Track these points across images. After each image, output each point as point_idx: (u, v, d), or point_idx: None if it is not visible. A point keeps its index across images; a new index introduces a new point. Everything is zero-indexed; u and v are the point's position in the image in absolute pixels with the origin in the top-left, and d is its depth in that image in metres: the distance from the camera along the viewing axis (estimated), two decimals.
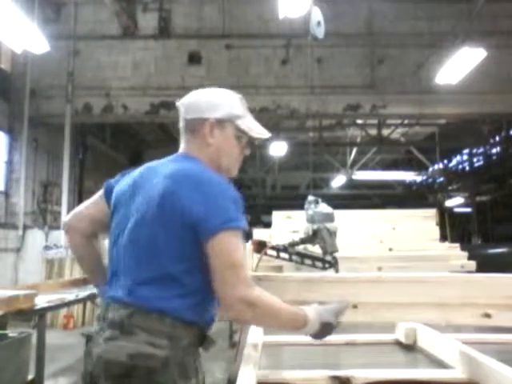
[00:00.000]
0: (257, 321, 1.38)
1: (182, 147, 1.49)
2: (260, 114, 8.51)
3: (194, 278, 1.31)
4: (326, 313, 1.42)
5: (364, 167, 14.22)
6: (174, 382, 1.26)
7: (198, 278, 1.31)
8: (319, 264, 2.52)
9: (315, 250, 2.55)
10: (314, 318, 1.38)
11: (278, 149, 11.50)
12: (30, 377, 3.23)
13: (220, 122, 1.45)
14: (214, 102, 1.47)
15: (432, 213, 3.03)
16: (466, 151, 15.73)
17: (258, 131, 1.52)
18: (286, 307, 1.36)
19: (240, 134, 1.48)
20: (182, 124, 1.50)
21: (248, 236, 1.46)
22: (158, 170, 1.40)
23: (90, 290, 4.60)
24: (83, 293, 4.25)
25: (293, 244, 2.52)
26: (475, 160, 15.59)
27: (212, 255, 1.28)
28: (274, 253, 2.54)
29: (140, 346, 1.26)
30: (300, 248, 2.54)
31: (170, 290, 1.30)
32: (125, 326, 1.29)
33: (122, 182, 1.49)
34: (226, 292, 1.28)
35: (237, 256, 1.29)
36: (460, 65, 6.91)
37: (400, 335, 1.86)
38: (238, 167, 1.55)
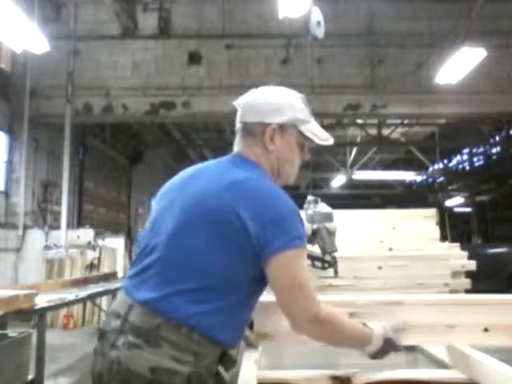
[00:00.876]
0: (324, 339, 1.34)
1: (239, 149, 1.38)
2: None
3: (231, 297, 1.24)
4: (391, 329, 1.40)
5: (364, 167, 14.22)
6: None
7: (234, 297, 1.24)
8: (318, 264, 2.52)
9: (314, 249, 2.55)
10: (379, 333, 1.36)
11: None
12: (30, 377, 3.23)
13: (282, 128, 1.34)
14: (277, 104, 1.35)
15: (432, 213, 3.03)
16: (465, 151, 15.73)
17: (323, 137, 1.40)
18: (353, 325, 1.36)
19: (303, 140, 1.38)
20: (238, 126, 1.39)
21: None
22: (214, 175, 1.31)
23: (90, 290, 4.61)
24: (83, 293, 4.26)
25: None
26: (475, 160, 15.60)
27: (276, 275, 1.23)
28: None
29: (163, 360, 1.18)
30: None
31: (203, 305, 1.21)
32: (151, 337, 1.20)
33: (168, 183, 1.42)
34: (294, 312, 1.25)
35: (303, 275, 1.25)
36: (460, 65, 6.91)
37: None
38: (297, 174, 1.46)
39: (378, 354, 1.38)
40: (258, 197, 1.23)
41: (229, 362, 1.29)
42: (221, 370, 1.26)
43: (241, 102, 1.38)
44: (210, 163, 1.41)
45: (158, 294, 1.22)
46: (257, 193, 1.24)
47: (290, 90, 1.41)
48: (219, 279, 1.22)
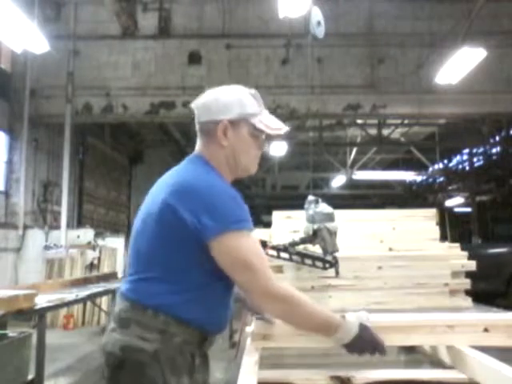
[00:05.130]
0: (286, 317, 1.37)
1: (196, 149, 1.49)
2: None
3: (192, 277, 1.33)
4: (367, 318, 1.38)
5: (364, 167, 14.21)
6: (163, 376, 1.27)
7: (192, 280, 1.33)
8: (319, 264, 2.52)
9: (316, 249, 2.55)
10: (352, 320, 1.36)
11: (278, 149, 11.49)
12: (30, 377, 3.23)
13: (233, 123, 1.43)
14: (225, 102, 1.44)
15: (432, 213, 3.02)
16: (466, 151, 15.71)
17: (275, 127, 1.48)
18: (319, 308, 1.37)
19: (256, 132, 1.46)
20: (196, 127, 1.49)
21: None
22: (167, 178, 1.43)
23: (90, 290, 4.61)
24: (83, 293, 4.26)
25: (293, 244, 2.52)
26: (475, 160, 15.58)
27: (220, 259, 1.31)
28: (274, 253, 2.53)
29: (131, 340, 1.29)
30: (300, 248, 2.54)
31: (165, 287, 1.32)
32: (121, 320, 1.33)
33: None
34: (250, 290, 1.33)
35: (246, 255, 1.30)
36: (460, 65, 6.91)
37: None
38: (257, 163, 1.53)
39: (354, 346, 1.34)
40: (192, 191, 1.32)
41: (207, 342, 1.39)
42: (197, 354, 1.36)
43: (196, 104, 1.48)
44: (173, 168, 1.50)
45: (129, 284, 1.38)
46: (191, 187, 1.33)
47: (241, 87, 1.48)
48: (167, 268, 1.32)
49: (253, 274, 1.30)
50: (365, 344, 1.35)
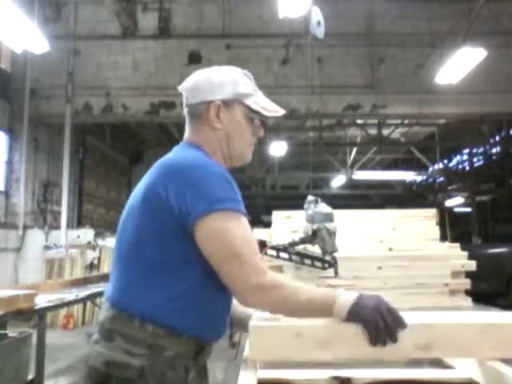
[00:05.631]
0: (279, 309, 1.18)
1: (186, 135, 1.35)
2: None
3: (179, 281, 1.17)
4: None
5: (364, 167, 14.21)
6: None
7: (183, 281, 1.17)
8: (319, 264, 2.52)
9: (315, 249, 2.55)
10: (346, 293, 1.16)
11: (278, 149, 11.49)
12: (30, 377, 3.23)
13: (226, 104, 1.29)
14: (217, 81, 1.31)
15: (432, 213, 3.02)
16: (466, 151, 15.72)
17: (271, 109, 1.34)
18: (309, 287, 1.20)
19: (251, 114, 1.32)
20: (185, 111, 1.35)
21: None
22: (151, 170, 1.28)
23: (90, 290, 4.61)
24: (83, 293, 4.25)
25: (292, 244, 2.52)
26: (475, 160, 15.59)
27: (204, 246, 1.15)
28: (274, 253, 2.54)
29: (116, 354, 1.15)
30: (300, 248, 2.54)
31: (152, 294, 1.17)
32: (106, 331, 1.20)
33: None
34: (235, 285, 1.15)
35: (234, 240, 1.14)
36: (460, 65, 6.91)
37: None
38: (252, 151, 1.39)
39: (362, 309, 1.10)
40: (177, 170, 1.18)
41: (203, 353, 1.24)
42: (192, 367, 1.21)
43: (184, 86, 1.35)
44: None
45: (113, 289, 1.23)
46: (176, 167, 1.20)
47: (233, 68, 1.38)
48: (156, 266, 1.17)
49: (240, 265, 1.13)
50: (374, 303, 1.11)
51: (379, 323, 1.08)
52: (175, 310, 1.16)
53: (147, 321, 1.16)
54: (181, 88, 1.35)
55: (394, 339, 1.09)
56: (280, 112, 1.35)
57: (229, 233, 1.14)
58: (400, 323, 1.10)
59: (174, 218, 1.15)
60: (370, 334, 1.09)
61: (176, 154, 1.28)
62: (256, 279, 1.12)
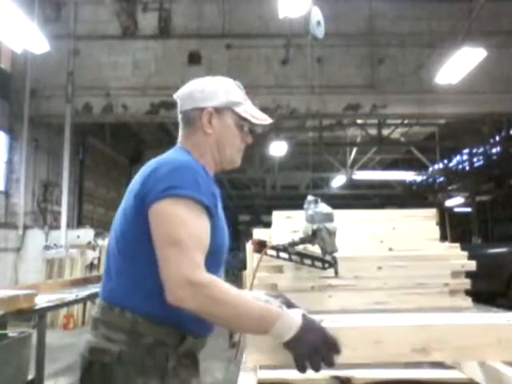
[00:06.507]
0: (207, 311, 1.11)
1: (178, 141, 1.41)
2: None
3: (156, 267, 1.16)
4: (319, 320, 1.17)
5: (364, 167, 14.21)
6: (128, 379, 1.17)
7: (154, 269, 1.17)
8: (319, 264, 2.52)
9: (315, 249, 2.55)
10: (295, 312, 1.14)
11: (278, 149, 11.49)
12: (30, 377, 3.23)
13: (218, 111, 1.37)
14: (210, 90, 1.39)
15: (432, 213, 3.02)
16: (466, 151, 15.72)
17: (260, 117, 1.43)
18: (249, 298, 1.16)
19: (241, 121, 1.40)
20: (179, 117, 1.42)
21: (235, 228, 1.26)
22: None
23: (90, 290, 4.61)
24: (83, 293, 4.25)
25: (292, 244, 2.52)
26: (475, 160, 15.59)
27: (152, 230, 1.17)
28: (273, 253, 2.53)
29: (98, 341, 1.22)
30: (300, 248, 2.54)
31: (130, 281, 1.22)
32: (92, 320, 1.28)
33: None
34: (166, 274, 1.12)
35: (179, 228, 1.13)
36: (460, 65, 6.91)
37: None
38: (241, 156, 1.46)
39: (299, 343, 1.09)
40: (153, 168, 1.24)
41: (187, 342, 1.23)
42: (172, 355, 1.21)
43: (179, 94, 1.42)
44: None
45: (102, 282, 1.33)
46: (153, 165, 1.25)
47: (226, 78, 1.46)
48: (132, 255, 1.23)
49: (178, 253, 1.11)
50: (313, 339, 1.10)
51: (311, 359, 1.10)
52: (153, 298, 1.17)
53: (126, 309, 1.20)
54: (176, 96, 1.42)
55: (329, 364, 1.12)
56: (268, 121, 1.42)
57: (176, 218, 1.15)
58: (337, 349, 1.12)
59: (140, 207, 1.20)
60: (297, 365, 1.12)
61: (163, 156, 1.33)
62: (189, 273, 1.09)
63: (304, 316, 1.13)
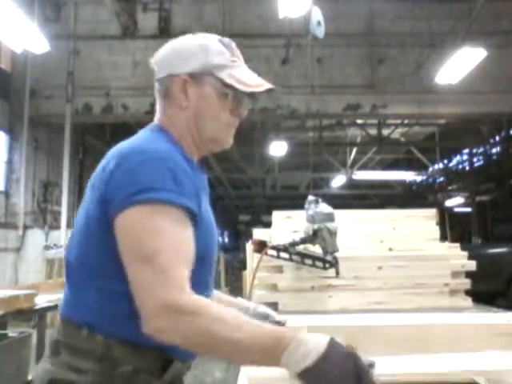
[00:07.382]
0: (192, 342, 0.87)
1: (155, 116, 1.15)
2: (260, 114, 8.54)
3: (123, 282, 0.92)
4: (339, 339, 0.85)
5: (364, 167, 14.21)
6: None
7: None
8: (320, 264, 2.52)
9: (316, 249, 2.55)
10: (311, 336, 0.84)
11: (278, 149, 11.49)
12: (30, 377, 3.23)
13: (195, 77, 1.08)
14: (186, 51, 1.10)
15: (432, 213, 3.02)
16: (466, 151, 15.73)
17: (251, 83, 1.10)
18: (249, 323, 0.88)
19: (225, 89, 1.09)
20: (155, 88, 1.15)
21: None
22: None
23: None
24: None
25: (293, 244, 2.52)
26: (475, 160, 15.60)
27: (119, 244, 0.92)
28: (274, 253, 2.53)
29: (60, 371, 0.96)
30: (300, 248, 2.54)
31: (102, 294, 0.96)
32: (52, 344, 1.01)
33: None
34: (140, 298, 0.88)
35: (153, 242, 0.89)
36: (460, 65, 6.91)
37: None
38: (232, 133, 1.15)
39: (319, 374, 0.78)
40: (116, 160, 0.98)
41: (172, 368, 0.99)
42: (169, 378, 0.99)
43: (155, 59, 1.14)
44: None
45: (64, 295, 1.06)
46: (115, 154, 1.01)
47: (208, 35, 1.15)
48: (98, 266, 0.98)
49: (153, 272, 0.86)
50: (339, 371, 0.78)
51: None
52: (129, 318, 0.92)
53: (97, 330, 0.95)
54: (152, 60, 1.15)
55: None
56: (264, 86, 1.11)
57: (147, 228, 0.90)
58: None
59: (102, 212, 0.96)
60: None
61: (131, 140, 1.08)
62: (166, 296, 0.85)
63: (331, 341, 0.83)
